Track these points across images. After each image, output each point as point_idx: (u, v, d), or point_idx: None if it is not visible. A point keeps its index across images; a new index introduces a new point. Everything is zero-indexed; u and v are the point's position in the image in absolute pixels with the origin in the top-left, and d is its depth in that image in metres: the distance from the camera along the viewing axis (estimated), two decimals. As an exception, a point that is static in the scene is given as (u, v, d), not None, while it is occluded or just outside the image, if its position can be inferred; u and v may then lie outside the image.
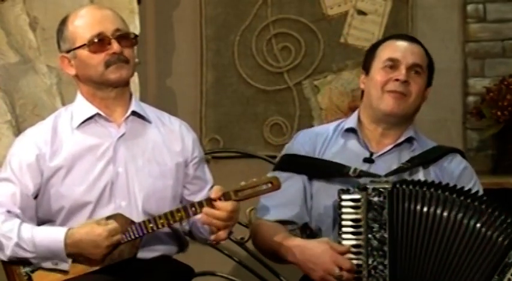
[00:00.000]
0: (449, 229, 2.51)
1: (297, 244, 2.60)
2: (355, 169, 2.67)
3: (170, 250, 2.77)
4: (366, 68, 2.80)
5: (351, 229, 2.54)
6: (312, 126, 4.04)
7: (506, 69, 4.00)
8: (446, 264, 2.51)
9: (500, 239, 2.49)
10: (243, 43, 4.17)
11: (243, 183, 2.59)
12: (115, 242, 2.56)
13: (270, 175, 2.71)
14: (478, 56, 4.06)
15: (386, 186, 2.54)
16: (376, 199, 2.52)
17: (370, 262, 2.51)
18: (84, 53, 2.67)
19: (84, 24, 2.69)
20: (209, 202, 2.57)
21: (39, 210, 2.68)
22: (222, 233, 2.59)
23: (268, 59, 4.17)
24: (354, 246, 2.53)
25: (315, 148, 2.79)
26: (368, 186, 2.54)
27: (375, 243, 2.51)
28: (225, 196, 2.57)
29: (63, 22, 2.75)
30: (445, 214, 2.52)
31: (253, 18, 4.16)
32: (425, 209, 2.53)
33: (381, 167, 2.71)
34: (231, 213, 2.56)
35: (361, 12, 4.10)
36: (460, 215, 2.51)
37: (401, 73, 2.70)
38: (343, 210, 2.55)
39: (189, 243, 2.86)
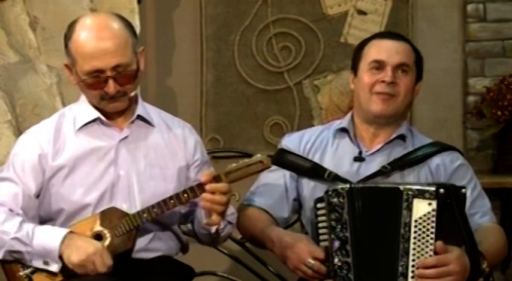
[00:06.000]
0: (378, 221, 2.53)
1: (275, 233, 2.66)
2: (330, 173, 2.72)
3: (170, 251, 2.77)
4: (354, 68, 2.82)
5: (323, 236, 2.58)
6: (312, 126, 4.04)
7: (506, 69, 4.01)
8: (383, 254, 2.51)
9: (393, 206, 2.49)
10: (243, 43, 4.17)
11: (233, 165, 2.59)
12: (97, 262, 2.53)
13: None
14: (478, 56, 4.07)
15: (345, 186, 2.56)
16: (335, 199, 2.55)
17: (335, 262, 2.53)
18: (81, 82, 2.61)
19: (83, 53, 2.57)
20: (200, 186, 2.57)
21: (41, 209, 2.68)
22: (215, 217, 2.59)
23: (269, 58, 4.17)
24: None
25: (300, 145, 2.84)
26: (328, 188, 2.58)
27: (338, 243, 2.53)
28: (216, 179, 2.57)
29: (70, 29, 2.63)
30: (375, 206, 2.53)
31: (254, 18, 4.16)
32: (382, 205, 2.53)
33: (372, 166, 2.74)
34: (225, 194, 2.56)
35: (362, 12, 4.10)
36: (379, 204, 2.53)
37: (387, 74, 2.71)
38: (319, 218, 2.59)
39: (189, 245, 2.86)
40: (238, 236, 3.23)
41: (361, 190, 2.55)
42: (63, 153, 2.66)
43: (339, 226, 2.53)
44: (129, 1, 3.81)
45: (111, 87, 2.58)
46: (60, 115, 2.75)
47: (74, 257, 2.53)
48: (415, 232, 2.46)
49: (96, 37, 2.57)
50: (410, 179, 2.71)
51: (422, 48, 2.80)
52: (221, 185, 2.56)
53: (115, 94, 2.60)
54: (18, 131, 3.46)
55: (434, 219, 2.45)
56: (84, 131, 2.69)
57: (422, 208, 2.47)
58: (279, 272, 3.39)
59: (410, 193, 2.48)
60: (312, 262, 2.54)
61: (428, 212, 2.46)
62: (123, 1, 3.80)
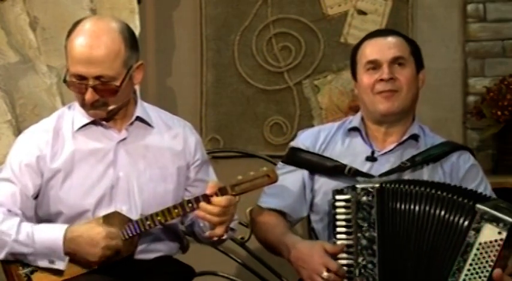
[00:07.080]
0: (429, 226, 2.49)
1: (291, 242, 2.63)
2: (350, 168, 2.70)
3: (171, 251, 2.77)
4: (353, 74, 2.82)
5: (344, 229, 2.56)
6: (312, 126, 4.03)
7: (506, 69, 4.01)
8: (426, 260, 2.48)
9: (460, 221, 2.46)
10: (243, 43, 4.17)
11: (239, 177, 2.59)
12: (113, 246, 2.54)
13: (278, 165, 2.81)
14: (478, 56, 4.06)
15: (375, 185, 2.54)
16: (364, 198, 2.54)
17: (360, 261, 2.52)
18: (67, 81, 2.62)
19: (72, 55, 2.58)
20: (205, 197, 2.57)
21: (39, 210, 2.68)
22: (218, 229, 2.59)
23: (269, 58, 4.17)
24: (346, 246, 2.54)
25: (316, 143, 2.82)
26: (357, 186, 2.56)
27: (364, 242, 2.52)
28: (222, 191, 2.56)
29: (71, 29, 2.63)
30: (430, 211, 2.49)
31: (253, 18, 4.16)
32: (411, 207, 2.51)
33: (384, 166, 2.73)
34: (225, 208, 2.54)
35: (361, 12, 4.10)
36: (437, 211, 2.49)
37: (384, 72, 2.71)
38: (337, 210, 2.57)
39: (189, 244, 2.86)
40: (239, 236, 3.24)
41: (391, 190, 2.53)
42: (61, 155, 2.66)
43: (366, 225, 2.52)
44: (129, 1, 3.81)
45: (89, 95, 2.57)
46: (59, 115, 2.75)
47: (90, 257, 2.54)
48: (476, 254, 2.41)
49: (87, 44, 2.56)
50: (424, 177, 2.70)
51: (422, 48, 2.81)
52: (225, 199, 2.54)
53: (93, 103, 2.59)
54: (18, 131, 3.46)
55: (499, 248, 2.40)
56: (82, 133, 2.68)
57: (490, 234, 2.41)
58: (280, 272, 3.39)
59: (485, 216, 2.42)
60: (326, 274, 2.51)
61: (496, 240, 2.40)
62: (123, 1, 3.80)
